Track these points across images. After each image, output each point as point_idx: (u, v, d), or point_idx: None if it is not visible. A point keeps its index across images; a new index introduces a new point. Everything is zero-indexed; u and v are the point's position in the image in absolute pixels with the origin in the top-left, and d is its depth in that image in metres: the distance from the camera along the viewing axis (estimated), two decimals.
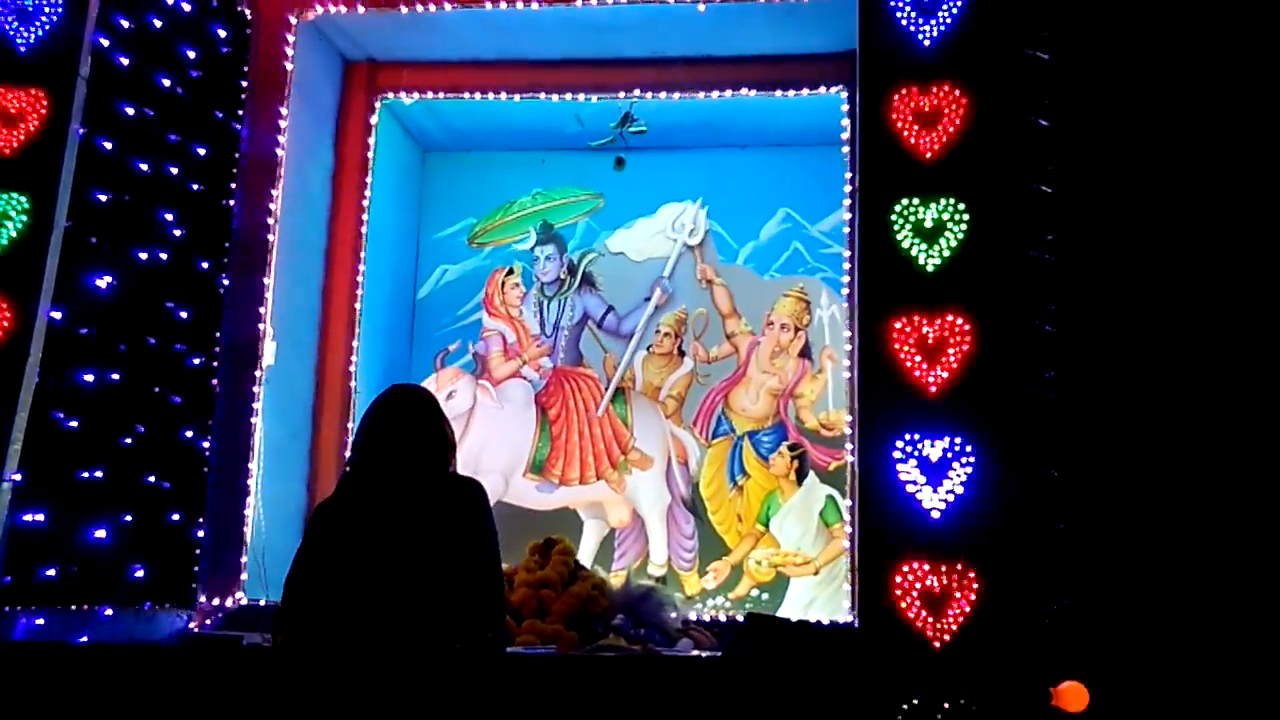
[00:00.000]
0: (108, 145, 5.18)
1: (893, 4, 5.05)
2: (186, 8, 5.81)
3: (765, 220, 7.53)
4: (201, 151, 5.88)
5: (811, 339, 7.29)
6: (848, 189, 6.04)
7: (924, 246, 4.92)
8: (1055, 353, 4.93)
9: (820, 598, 6.74)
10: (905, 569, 4.62)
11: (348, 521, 2.89)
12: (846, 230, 6.15)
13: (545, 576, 5.51)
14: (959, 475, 4.72)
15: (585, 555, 6.96)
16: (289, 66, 6.36)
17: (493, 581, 2.91)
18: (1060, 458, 4.86)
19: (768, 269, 7.50)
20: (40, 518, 4.77)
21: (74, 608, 4.98)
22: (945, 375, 4.82)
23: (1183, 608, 4.87)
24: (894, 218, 4.95)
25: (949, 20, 5.03)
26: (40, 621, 4.78)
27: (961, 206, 4.93)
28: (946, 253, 4.91)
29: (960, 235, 4.91)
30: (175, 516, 5.65)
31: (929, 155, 5.00)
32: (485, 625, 2.86)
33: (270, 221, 6.20)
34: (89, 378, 5.05)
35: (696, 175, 7.60)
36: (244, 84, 6.25)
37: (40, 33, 5.02)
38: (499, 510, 8.02)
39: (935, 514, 4.70)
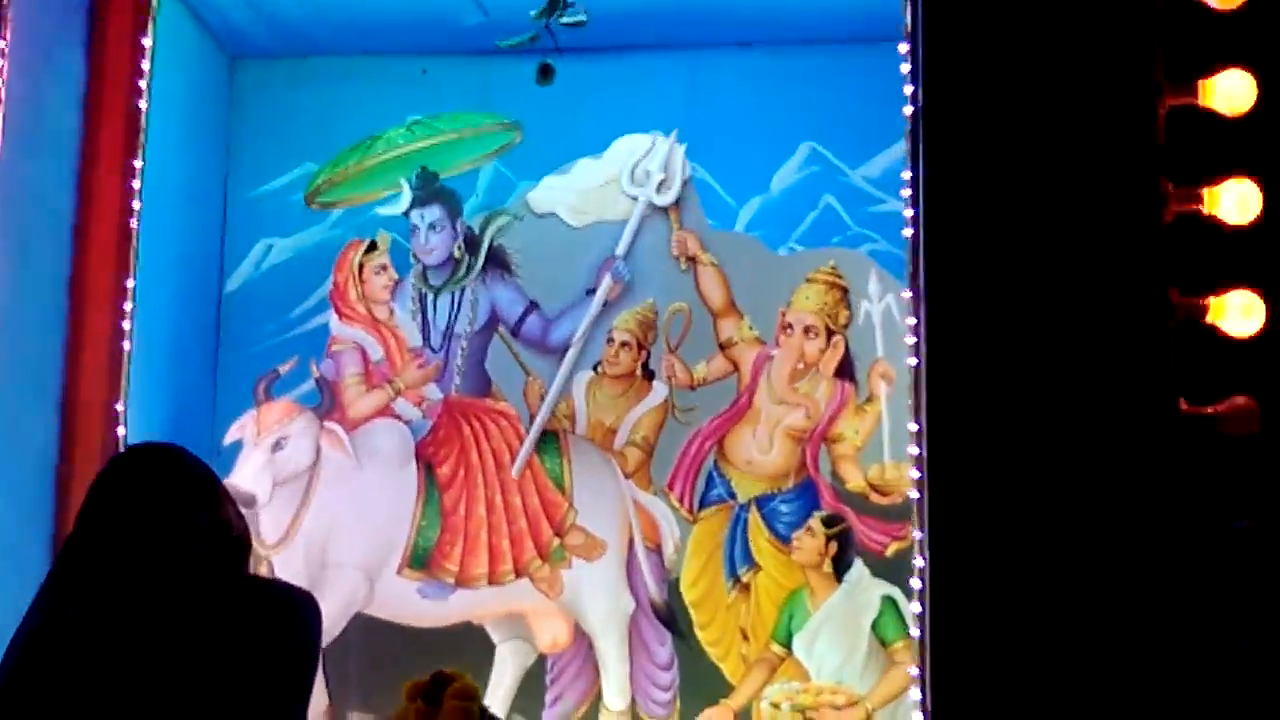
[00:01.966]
0: None
1: None
2: None
3: (780, 162, 7.53)
4: None
5: (856, 348, 7.29)
6: (908, 110, 5.96)
7: None
8: None
9: None
10: None
11: (50, 662, 2.88)
12: (907, 175, 6.09)
13: None
14: None
15: (498, 698, 6.99)
16: None
17: None
18: None
19: (785, 238, 7.50)
20: None
21: None
22: None
23: None
24: None
25: None
26: None
27: None
28: None
29: None
30: None
31: None
32: None
33: None
34: None
35: (669, 91, 7.60)
36: None
37: None
38: (360, 628, 7.59)
39: None
